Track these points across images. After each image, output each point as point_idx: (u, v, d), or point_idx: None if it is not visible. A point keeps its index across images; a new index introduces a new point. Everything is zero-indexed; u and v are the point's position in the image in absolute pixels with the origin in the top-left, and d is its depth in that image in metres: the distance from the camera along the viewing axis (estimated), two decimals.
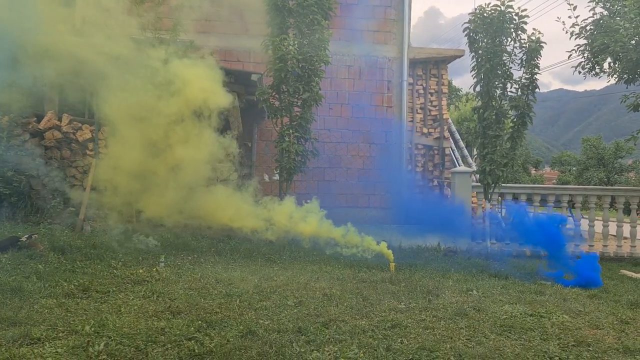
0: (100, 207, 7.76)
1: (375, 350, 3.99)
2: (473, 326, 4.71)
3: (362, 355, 3.89)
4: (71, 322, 4.13)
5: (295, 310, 4.91)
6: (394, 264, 7.37)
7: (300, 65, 8.49)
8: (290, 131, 8.81)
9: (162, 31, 8.35)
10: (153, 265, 6.36)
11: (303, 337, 4.20)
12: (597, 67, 10.71)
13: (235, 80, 9.60)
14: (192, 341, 3.94)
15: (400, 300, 5.54)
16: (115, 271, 5.90)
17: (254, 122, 11.00)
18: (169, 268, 6.36)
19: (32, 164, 8.04)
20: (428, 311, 5.13)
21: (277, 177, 9.51)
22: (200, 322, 4.36)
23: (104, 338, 3.84)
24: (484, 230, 10.45)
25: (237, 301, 5.09)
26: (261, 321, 4.52)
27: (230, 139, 8.38)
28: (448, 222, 10.59)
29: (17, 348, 3.57)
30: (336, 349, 3.98)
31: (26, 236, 6.51)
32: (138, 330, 4.05)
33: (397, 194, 11.74)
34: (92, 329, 4.00)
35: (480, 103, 9.90)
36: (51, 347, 3.64)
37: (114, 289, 5.21)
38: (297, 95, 8.75)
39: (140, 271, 5.98)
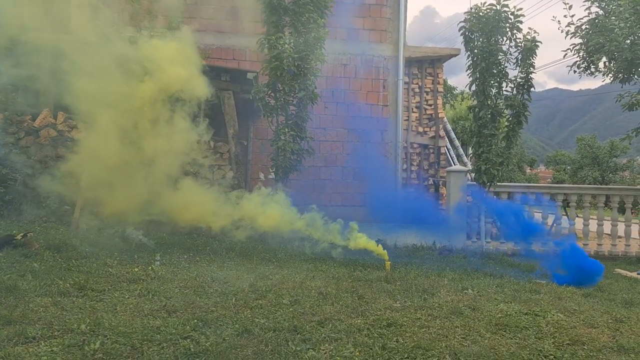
0: (91, 204, 7.69)
1: (371, 349, 4.00)
2: (468, 325, 4.73)
3: (357, 354, 3.89)
4: (67, 320, 4.11)
5: (290, 309, 4.91)
6: (389, 262, 7.38)
7: (296, 64, 8.48)
8: (286, 130, 8.81)
9: (158, 29, 8.33)
10: (149, 264, 6.33)
11: (299, 335, 4.21)
12: (592, 67, 10.77)
13: (231, 78, 9.60)
14: (188, 340, 3.94)
15: (395, 299, 5.56)
16: (110, 269, 5.88)
17: (249, 121, 10.99)
18: (165, 266, 6.35)
19: (27, 162, 8.01)
20: (423, 310, 5.15)
21: (272, 175, 9.51)
22: (196, 320, 4.35)
23: (99, 337, 3.83)
24: (479, 228, 10.49)
25: (233, 300, 5.09)
26: (257, 320, 4.52)
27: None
28: (443, 221, 10.64)
29: (12, 347, 3.56)
30: (332, 347, 3.99)
31: (21, 234, 6.48)
32: (134, 329, 4.04)
33: (393, 192, 11.75)
34: (88, 327, 3.99)
35: (475, 102, 9.93)
36: (47, 345, 3.63)
37: (110, 287, 5.20)
38: (292, 94, 8.76)
39: (136, 270, 5.96)
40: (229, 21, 11.15)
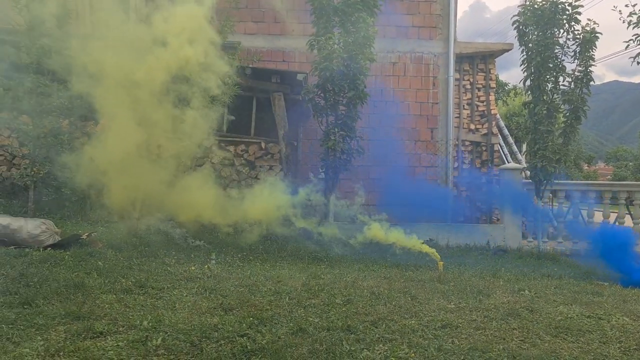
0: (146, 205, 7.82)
1: (426, 350, 3.96)
2: (526, 327, 4.60)
3: (412, 355, 3.86)
4: (130, 317, 4.29)
5: (343, 309, 4.92)
6: (442, 262, 7.27)
7: (345, 64, 8.49)
8: (336, 130, 8.83)
9: None
10: (204, 263, 6.52)
11: (352, 335, 4.21)
12: None
13: (281, 80, 9.72)
14: (245, 338, 4.01)
15: (449, 299, 5.46)
16: (169, 268, 6.08)
17: (299, 122, 11.09)
18: (220, 265, 6.51)
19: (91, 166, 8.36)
20: (479, 311, 5.04)
21: (322, 175, 9.56)
22: (251, 318, 4.43)
23: (161, 333, 3.97)
24: (535, 227, 10.18)
25: (287, 298, 5.15)
26: (310, 319, 4.55)
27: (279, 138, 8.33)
28: (496, 220, 10.39)
29: (81, 341, 3.74)
30: (386, 348, 3.97)
31: (86, 234, 6.81)
32: (192, 326, 4.16)
33: (444, 191, 11.57)
34: (150, 324, 4.14)
35: (530, 97, 9.64)
36: (112, 340, 3.80)
37: (169, 285, 5.37)
38: (342, 94, 8.76)
39: (193, 268, 6.13)
40: (279, 24, 11.30)
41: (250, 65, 9.37)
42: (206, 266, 6.31)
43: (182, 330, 4.06)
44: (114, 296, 4.81)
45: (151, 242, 7.25)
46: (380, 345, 4.02)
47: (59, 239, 6.73)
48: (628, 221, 10.53)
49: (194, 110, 7.25)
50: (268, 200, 7.83)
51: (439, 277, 6.52)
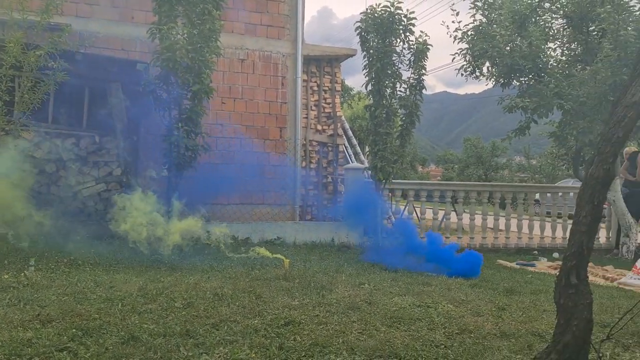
0: None
1: (268, 349, 3.87)
2: (365, 319, 4.76)
3: (253, 355, 3.75)
4: None
5: (183, 312, 4.65)
6: (288, 260, 7.30)
7: (189, 56, 8.09)
8: (180, 125, 8.38)
9: (32, 12, 7.53)
10: (21, 270, 5.71)
11: (191, 340, 3.97)
12: (477, 71, 11.43)
13: (120, 69, 8.97)
14: (64, 352, 3.56)
15: (294, 296, 5.47)
16: None
17: (140, 115, 10.34)
18: (41, 272, 5.76)
19: None
20: (321, 306, 5.11)
21: (165, 173, 9.02)
22: (75, 330, 3.96)
23: None
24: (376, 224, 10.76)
25: (119, 305, 4.72)
26: (145, 325, 4.21)
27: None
28: (341, 217, 10.80)
29: None
30: (227, 350, 3.80)
31: None
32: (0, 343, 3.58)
33: (292, 190, 11.71)
34: None
35: (371, 101, 10.15)
36: None
37: None
38: (186, 87, 8.34)
39: (5, 276, 5.36)
40: (117, 9, 10.44)
41: (82, 51, 8.47)
42: (23, 273, 5.53)
43: None
44: None
45: None
46: (221, 348, 3.84)
47: None
48: (453, 217, 11.70)
49: None
50: None
51: (284, 274, 6.52)
